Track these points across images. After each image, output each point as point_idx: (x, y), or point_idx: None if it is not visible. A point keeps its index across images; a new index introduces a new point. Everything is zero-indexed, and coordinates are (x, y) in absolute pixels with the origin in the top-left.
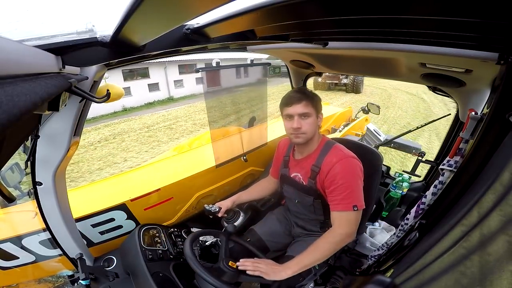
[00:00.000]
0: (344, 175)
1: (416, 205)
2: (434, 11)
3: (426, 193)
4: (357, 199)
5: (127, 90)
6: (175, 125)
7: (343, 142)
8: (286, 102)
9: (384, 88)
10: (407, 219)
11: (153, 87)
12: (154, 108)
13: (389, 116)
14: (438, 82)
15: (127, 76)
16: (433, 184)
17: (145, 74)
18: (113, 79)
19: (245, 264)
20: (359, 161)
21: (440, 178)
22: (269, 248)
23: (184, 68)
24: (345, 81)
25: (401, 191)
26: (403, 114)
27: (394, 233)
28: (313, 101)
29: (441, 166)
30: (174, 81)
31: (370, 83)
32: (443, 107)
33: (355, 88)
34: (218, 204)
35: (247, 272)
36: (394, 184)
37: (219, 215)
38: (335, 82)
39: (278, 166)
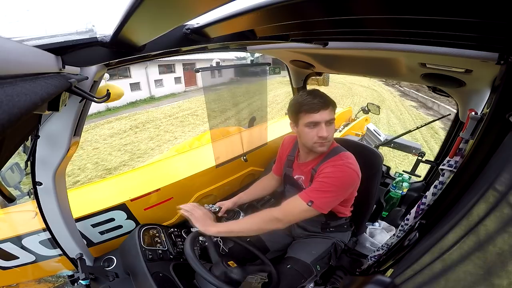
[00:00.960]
0: (329, 176)
1: (416, 205)
2: (434, 11)
3: (426, 193)
4: (321, 200)
5: None
6: (197, 112)
7: (343, 142)
8: (311, 108)
9: (343, 82)
10: (407, 219)
11: (135, 86)
12: (140, 106)
13: (356, 102)
14: (438, 82)
15: (110, 76)
16: (433, 185)
17: (126, 74)
18: None
19: (185, 207)
20: (357, 174)
21: (441, 179)
22: (269, 248)
23: (164, 68)
24: (319, 76)
25: (401, 191)
26: (364, 99)
27: (394, 234)
28: (334, 105)
29: (441, 167)
30: (155, 80)
31: (331, 78)
32: (390, 95)
33: (324, 82)
34: (218, 204)
35: (182, 211)
36: (394, 184)
37: (219, 214)
38: (314, 77)
39: (282, 164)
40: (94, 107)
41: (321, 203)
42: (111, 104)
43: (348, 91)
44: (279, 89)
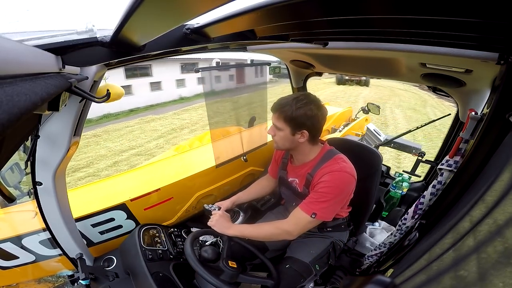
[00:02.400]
0: (328, 186)
1: (414, 205)
2: (434, 11)
3: (424, 193)
4: (322, 210)
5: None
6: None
7: (343, 142)
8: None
9: (382, 85)
10: (405, 219)
11: (180, 83)
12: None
13: (403, 100)
14: (438, 82)
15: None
16: (431, 185)
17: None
18: (170, 69)
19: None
20: (354, 177)
21: (439, 178)
22: (268, 247)
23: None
24: (363, 78)
25: (401, 191)
26: (408, 99)
27: (391, 233)
28: (289, 116)
29: (439, 166)
30: (197, 78)
31: (370, 82)
32: (429, 97)
33: (366, 83)
34: (217, 204)
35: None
36: (394, 184)
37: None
38: (356, 79)
39: (277, 166)
40: (169, 96)
41: (323, 213)
42: (184, 94)
43: (391, 92)
44: (328, 89)
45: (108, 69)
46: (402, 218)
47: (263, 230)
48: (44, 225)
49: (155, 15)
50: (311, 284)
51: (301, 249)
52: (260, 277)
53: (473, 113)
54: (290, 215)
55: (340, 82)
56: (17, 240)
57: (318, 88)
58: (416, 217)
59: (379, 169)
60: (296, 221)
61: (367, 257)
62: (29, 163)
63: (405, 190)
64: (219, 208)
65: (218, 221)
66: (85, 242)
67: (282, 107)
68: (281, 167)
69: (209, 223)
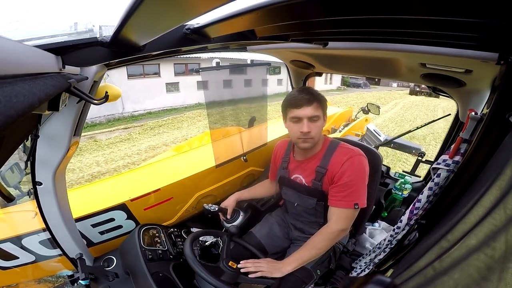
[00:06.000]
0: (352, 173)
1: (409, 210)
2: (434, 11)
3: (420, 197)
4: (360, 198)
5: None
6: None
7: (343, 142)
8: (295, 103)
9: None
10: (401, 221)
11: (227, 84)
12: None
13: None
14: (438, 82)
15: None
16: (427, 187)
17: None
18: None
19: (246, 265)
20: (366, 158)
21: (436, 180)
22: (268, 251)
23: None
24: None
25: (402, 193)
26: None
27: (380, 247)
28: (322, 102)
29: (434, 166)
30: (262, 80)
31: None
32: None
33: (431, 95)
34: (223, 204)
35: (249, 275)
36: (397, 186)
37: (228, 216)
38: (424, 91)
39: (276, 169)
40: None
41: (361, 200)
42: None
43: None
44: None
45: (108, 69)
46: (396, 227)
47: (318, 245)
48: (44, 225)
49: (155, 15)
50: (311, 284)
51: None
52: (262, 278)
53: (473, 113)
54: (332, 217)
55: (412, 92)
56: (17, 240)
57: (394, 97)
58: (411, 223)
59: (379, 170)
60: (344, 218)
61: (360, 265)
62: (29, 163)
63: (406, 192)
64: (219, 209)
65: (270, 267)
66: (85, 242)
67: (314, 96)
68: (281, 167)
69: (260, 272)
